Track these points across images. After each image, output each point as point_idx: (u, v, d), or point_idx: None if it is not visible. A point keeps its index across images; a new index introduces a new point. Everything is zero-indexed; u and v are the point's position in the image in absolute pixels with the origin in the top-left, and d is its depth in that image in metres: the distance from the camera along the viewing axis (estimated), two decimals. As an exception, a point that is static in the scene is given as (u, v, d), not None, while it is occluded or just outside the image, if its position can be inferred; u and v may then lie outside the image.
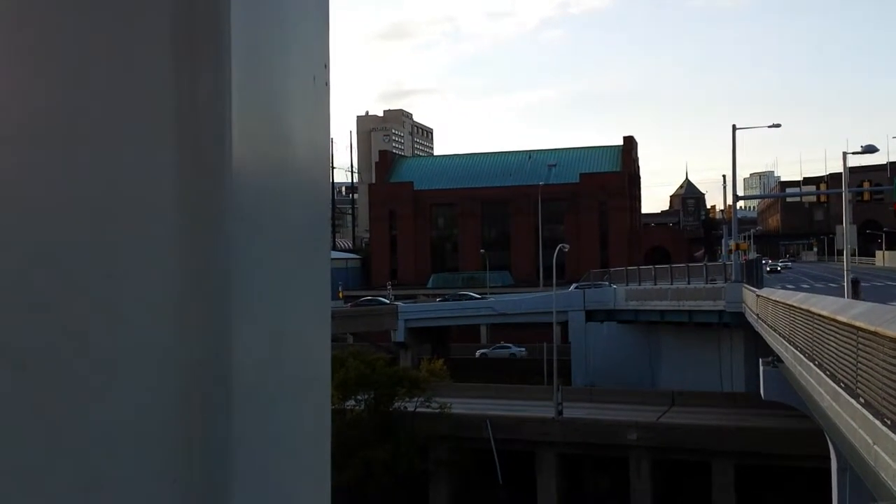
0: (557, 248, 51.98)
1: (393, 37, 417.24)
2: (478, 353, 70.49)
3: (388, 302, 69.79)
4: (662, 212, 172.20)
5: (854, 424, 12.55)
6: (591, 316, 57.87)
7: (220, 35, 0.84)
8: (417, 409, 38.93)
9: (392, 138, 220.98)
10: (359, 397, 39.05)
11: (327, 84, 1.05)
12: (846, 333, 13.37)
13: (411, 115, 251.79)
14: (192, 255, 0.83)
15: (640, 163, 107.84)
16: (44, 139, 0.81)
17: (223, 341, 0.83)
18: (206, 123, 0.84)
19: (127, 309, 0.81)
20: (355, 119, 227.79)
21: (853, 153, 43.69)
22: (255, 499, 0.88)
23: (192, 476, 0.81)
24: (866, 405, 11.73)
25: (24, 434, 0.77)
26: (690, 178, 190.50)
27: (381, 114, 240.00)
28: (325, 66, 1.04)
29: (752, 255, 69.90)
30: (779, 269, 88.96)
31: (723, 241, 64.17)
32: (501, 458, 38.06)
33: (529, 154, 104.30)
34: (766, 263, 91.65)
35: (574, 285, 64.57)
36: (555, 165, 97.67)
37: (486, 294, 72.26)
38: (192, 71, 0.83)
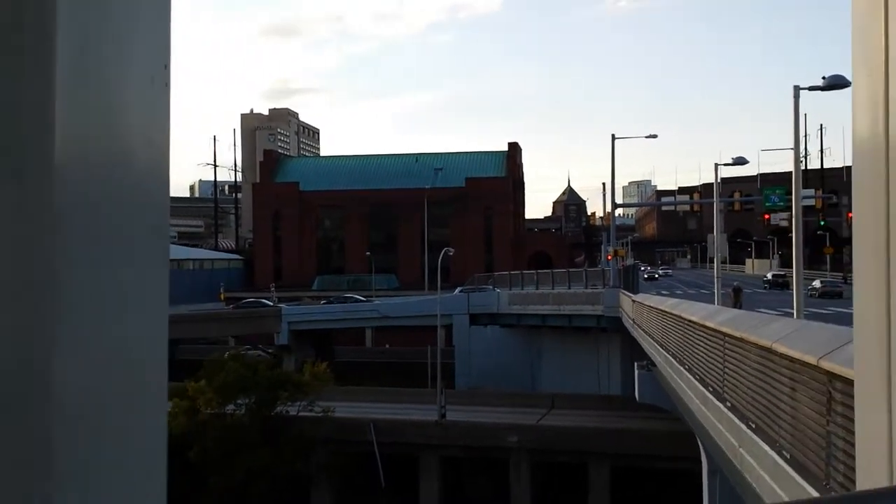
0: (443, 252, 52.35)
1: (280, 34, 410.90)
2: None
3: (271, 304, 68.59)
4: (545, 217, 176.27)
5: (721, 427, 13.10)
6: (475, 319, 58.55)
7: (45, 33, 0.82)
8: (300, 413, 38.40)
9: (278, 138, 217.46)
10: (239, 401, 38.22)
11: (167, 85, 1.06)
12: (714, 339, 13.94)
13: (297, 114, 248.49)
14: (9, 259, 0.81)
15: (525, 169, 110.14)
16: None
17: (45, 347, 0.81)
18: (28, 124, 0.82)
19: None
20: (240, 117, 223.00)
21: (725, 164, 45.88)
22: None
23: (7, 486, 0.78)
24: (732, 409, 12.25)
25: None
26: (572, 186, 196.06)
27: (266, 112, 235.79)
28: (166, 66, 1.05)
29: (630, 261, 72.36)
30: (657, 276, 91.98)
31: (602, 247, 66.21)
32: (385, 462, 37.96)
33: (417, 157, 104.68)
34: (644, 270, 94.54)
35: (459, 289, 65.17)
36: (441, 169, 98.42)
37: (371, 297, 72.03)
38: (13, 70, 0.82)
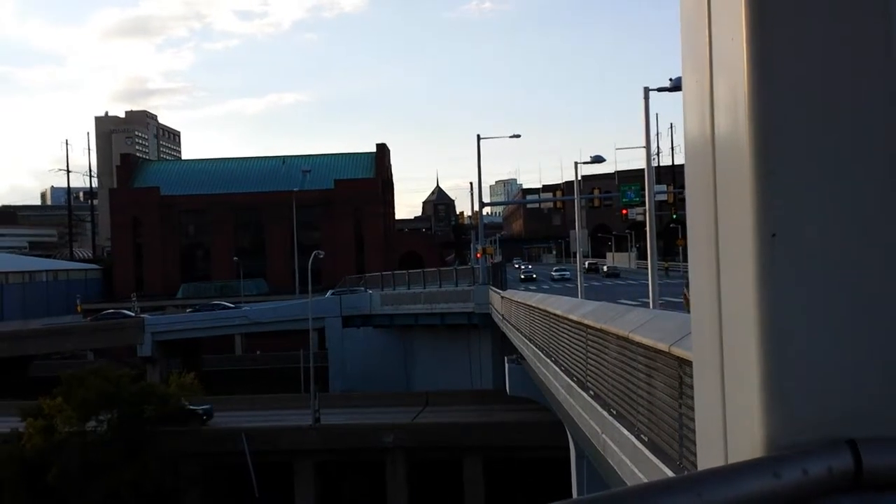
0: (313, 255, 51.71)
1: (134, 33, 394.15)
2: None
3: (132, 314, 65.93)
4: (415, 218, 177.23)
5: (585, 415, 13.57)
6: (348, 322, 58.20)
7: None
8: (167, 427, 37.11)
9: (136, 141, 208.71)
10: (101, 417, 36.57)
11: None
12: (577, 331, 14.42)
13: (156, 116, 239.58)
14: None
15: (393, 169, 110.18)
16: None
17: None
18: None
19: None
20: (94, 120, 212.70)
21: (584, 163, 47.40)
22: None
23: None
24: (595, 397, 12.71)
25: None
26: (441, 186, 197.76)
27: (122, 115, 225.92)
28: None
29: (499, 258, 73.71)
30: (535, 276, 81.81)
31: (472, 245, 67.12)
32: (259, 471, 37.18)
33: (283, 159, 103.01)
34: (522, 269, 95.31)
35: (330, 291, 64.62)
36: (309, 171, 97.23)
37: (240, 303, 70.34)
38: None
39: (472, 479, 36.50)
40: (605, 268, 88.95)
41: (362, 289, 64.11)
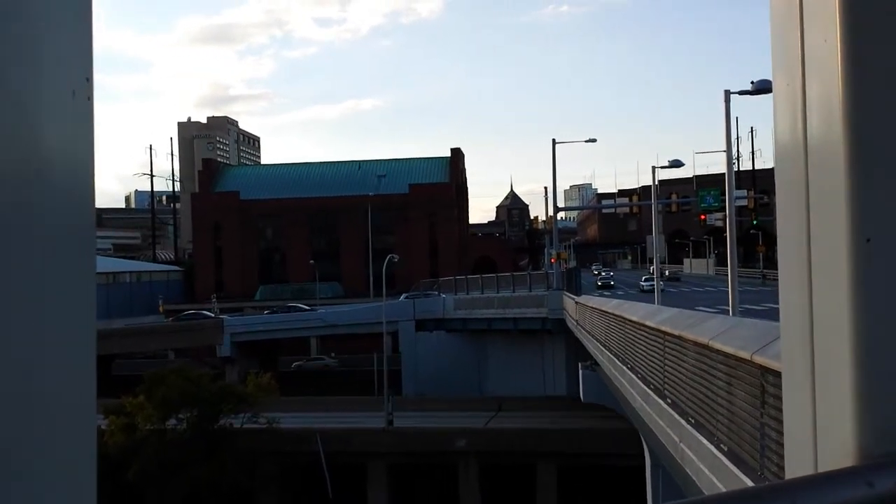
0: (387, 259, 52.22)
1: (217, 41, 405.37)
2: (293, 366, 69.81)
3: (212, 315, 67.55)
4: (489, 222, 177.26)
5: (662, 423, 13.34)
6: (421, 325, 58.52)
7: None
8: (244, 426, 37.91)
9: (217, 146, 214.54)
10: (181, 416, 37.54)
11: (90, 98, 1.06)
12: (654, 338, 14.20)
13: (237, 122, 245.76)
14: None
15: (467, 174, 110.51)
16: None
17: None
18: None
19: None
20: (177, 125, 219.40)
21: (662, 167, 46.82)
22: None
23: None
24: (673, 405, 12.49)
25: None
26: (515, 190, 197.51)
27: (204, 120, 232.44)
28: (88, 79, 1.05)
29: (573, 263, 73.14)
30: (612, 283, 78.56)
31: (545, 250, 66.79)
32: (332, 472, 37.67)
33: (359, 164, 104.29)
34: (599, 276, 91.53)
35: (404, 295, 65.09)
36: (384, 176, 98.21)
37: (315, 306, 71.48)
38: None
39: (545, 486, 36.29)
40: (666, 272, 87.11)
41: (436, 293, 64.40)
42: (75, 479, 1.00)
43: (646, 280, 72.26)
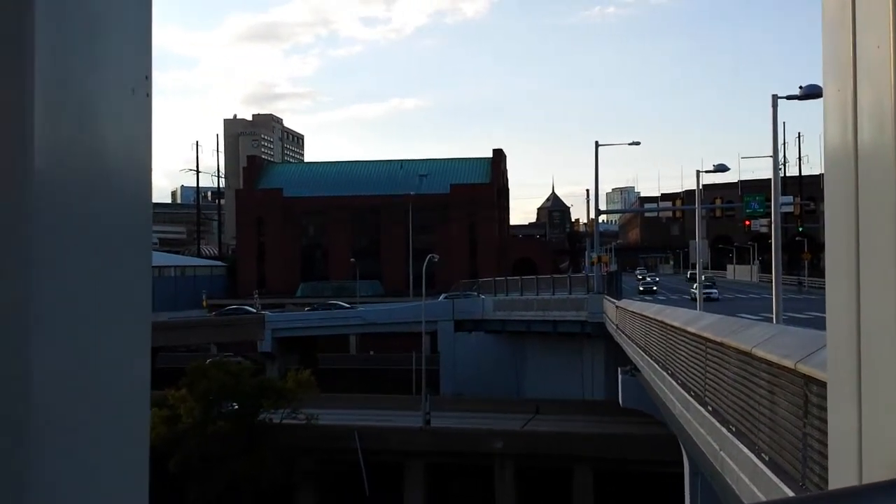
0: (427, 258, 52.34)
1: (263, 39, 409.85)
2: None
3: (254, 311, 68.32)
4: (529, 224, 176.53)
5: (702, 431, 13.19)
6: (459, 326, 58.56)
7: (22, 45, 0.83)
8: (283, 421, 38.26)
9: (262, 143, 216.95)
10: (222, 409, 38.00)
11: (149, 95, 1.07)
12: (695, 344, 14.04)
13: (282, 120, 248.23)
14: None
15: (509, 175, 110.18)
16: None
17: (21, 354, 0.80)
18: (6, 133, 0.82)
19: None
20: (222, 122, 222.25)
21: (706, 172, 46.21)
22: None
23: None
24: (714, 413, 12.35)
25: None
26: (556, 192, 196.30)
27: (249, 118, 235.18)
28: (147, 77, 1.07)
29: (613, 267, 72.55)
30: (654, 288, 74.64)
31: (586, 253, 66.37)
32: (369, 469, 37.85)
33: (401, 163, 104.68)
34: (643, 280, 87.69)
35: (444, 295, 65.18)
36: (426, 175, 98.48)
37: (356, 304, 71.91)
38: None
39: (581, 490, 36.06)
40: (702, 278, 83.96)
41: (475, 293, 64.38)
42: (130, 465, 1.03)
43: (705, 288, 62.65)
